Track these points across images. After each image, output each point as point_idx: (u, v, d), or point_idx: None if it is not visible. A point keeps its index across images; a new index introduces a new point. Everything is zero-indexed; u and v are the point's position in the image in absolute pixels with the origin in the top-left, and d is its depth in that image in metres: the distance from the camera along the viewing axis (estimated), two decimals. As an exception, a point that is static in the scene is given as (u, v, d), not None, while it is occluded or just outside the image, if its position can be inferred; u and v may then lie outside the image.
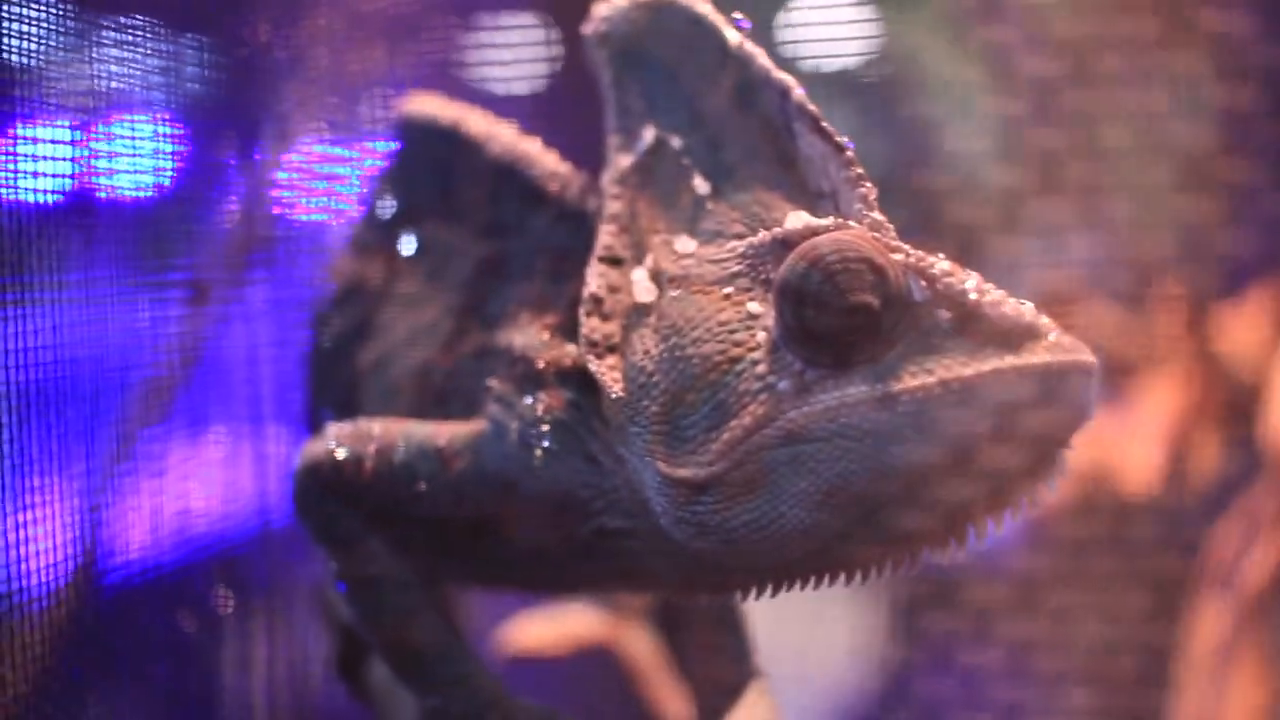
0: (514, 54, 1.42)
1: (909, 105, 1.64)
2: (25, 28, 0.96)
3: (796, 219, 0.84)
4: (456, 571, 1.04)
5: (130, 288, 1.08)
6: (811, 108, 0.86)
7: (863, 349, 0.77)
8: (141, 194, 1.11)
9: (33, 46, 0.96)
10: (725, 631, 1.08)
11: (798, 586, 0.85)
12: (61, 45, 1.00)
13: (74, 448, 1.00)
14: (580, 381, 0.90)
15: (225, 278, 1.20)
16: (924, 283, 0.78)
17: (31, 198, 0.96)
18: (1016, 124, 1.64)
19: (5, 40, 0.95)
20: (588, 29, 0.94)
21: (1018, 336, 0.77)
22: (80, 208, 1.02)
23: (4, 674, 0.92)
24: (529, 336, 0.94)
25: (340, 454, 0.92)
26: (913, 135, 1.64)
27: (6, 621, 0.92)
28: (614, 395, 0.85)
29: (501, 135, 1.03)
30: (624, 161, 0.92)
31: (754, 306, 0.82)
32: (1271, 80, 1.49)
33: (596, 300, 0.88)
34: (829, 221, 0.81)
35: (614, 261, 0.89)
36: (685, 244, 0.88)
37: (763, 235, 0.84)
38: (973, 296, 0.78)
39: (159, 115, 1.11)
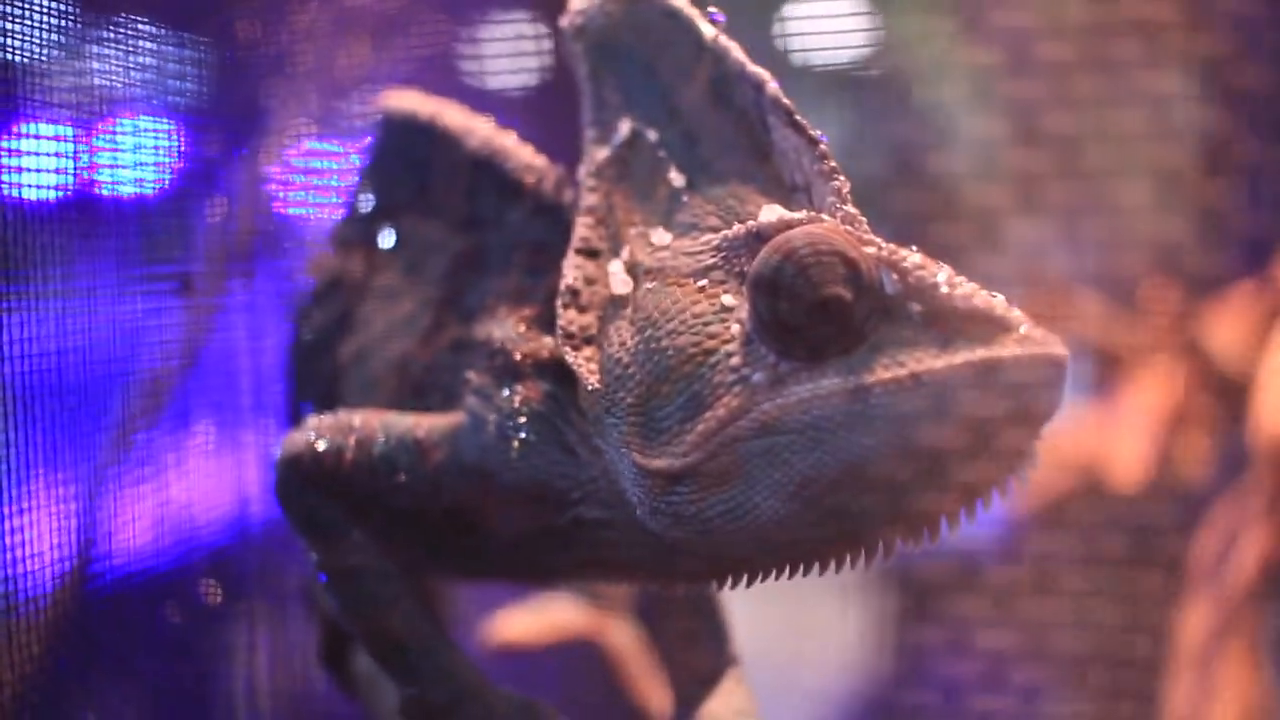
0: (498, 49, 1.42)
1: (904, 99, 1.64)
2: (24, 27, 0.96)
3: (770, 212, 0.84)
4: (436, 562, 1.04)
5: (123, 283, 1.09)
6: (786, 101, 0.86)
7: (836, 341, 0.78)
8: (135, 192, 1.11)
9: (31, 46, 0.97)
10: (702, 620, 1.08)
11: (773, 576, 0.86)
12: (58, 45, 1.00)
13: (67, 447, 1.00)
14: (557, 373, 0.90)
15: (215, 272, 1.21)
16: (896, 276, 0.79)
17: (18, 194, 0.97)
18: (1009, 115, 1.64)
19: (4, 40, 0.95)
20: (564, 22, 0.94)
21: (989, 329, 0.77)
22: (74, 206, 1.02)
23: None
24: (506, 329, 0.95)
25: (321, 445, 0.93)
26: (909, 128, 1.64)
27: (1, 621, 0.93)
28: (590, 387, 0.85)
29: (479, 129, 1.04)
30: (600, 154, 0.92)
31: (728, 299, 0.82)
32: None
33: (573, 292, 0.88)
34: (803, 215, 0.82)
35: (590, 254, 0.90)
36: (661, 236, 0.89)
37: (737, 228, 0.84)
38: (944, 290, 0.78)
39: (153, 114, 1.12)
